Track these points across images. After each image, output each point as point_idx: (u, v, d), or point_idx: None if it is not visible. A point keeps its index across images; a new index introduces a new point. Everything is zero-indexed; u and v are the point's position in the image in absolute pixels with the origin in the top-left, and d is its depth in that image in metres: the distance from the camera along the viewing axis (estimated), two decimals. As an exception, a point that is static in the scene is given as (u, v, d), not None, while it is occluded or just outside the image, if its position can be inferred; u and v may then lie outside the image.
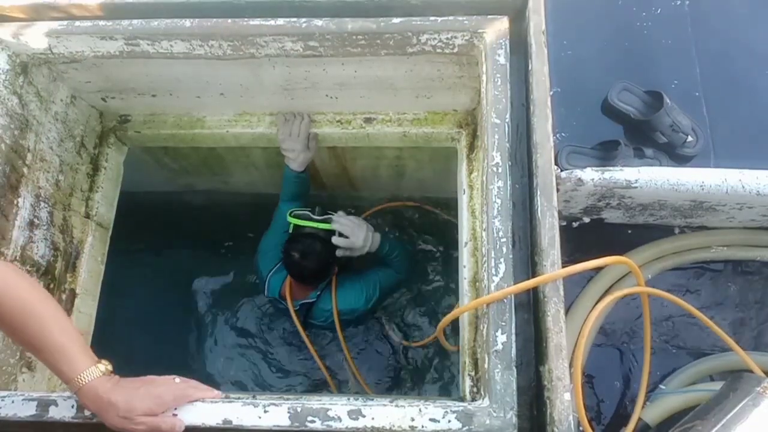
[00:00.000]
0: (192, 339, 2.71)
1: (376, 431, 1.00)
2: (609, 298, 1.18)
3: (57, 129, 1.57)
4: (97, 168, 1.76)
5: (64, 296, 1.62)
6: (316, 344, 2.34)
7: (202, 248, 2.81)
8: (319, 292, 2.11)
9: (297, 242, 1.96)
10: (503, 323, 1.06)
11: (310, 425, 1.00)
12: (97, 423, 1.01)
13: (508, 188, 1.16)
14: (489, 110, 1.22)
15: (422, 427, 0.99)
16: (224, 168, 2.42)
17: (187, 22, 1.32)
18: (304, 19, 1.30)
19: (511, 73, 1.25)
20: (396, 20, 1.29)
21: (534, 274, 1.11)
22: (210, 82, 1.59)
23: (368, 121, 1.74)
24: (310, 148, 1.83)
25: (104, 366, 0.99)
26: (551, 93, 1.21)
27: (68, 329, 0.99)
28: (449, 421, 0.99)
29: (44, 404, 1.04)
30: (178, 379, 1.04)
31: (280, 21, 1.30)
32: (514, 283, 1.08)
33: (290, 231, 2.04)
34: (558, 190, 1.21)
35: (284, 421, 1.00)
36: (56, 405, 1.04)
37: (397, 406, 1.02)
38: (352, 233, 1.95)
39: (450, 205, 2.49)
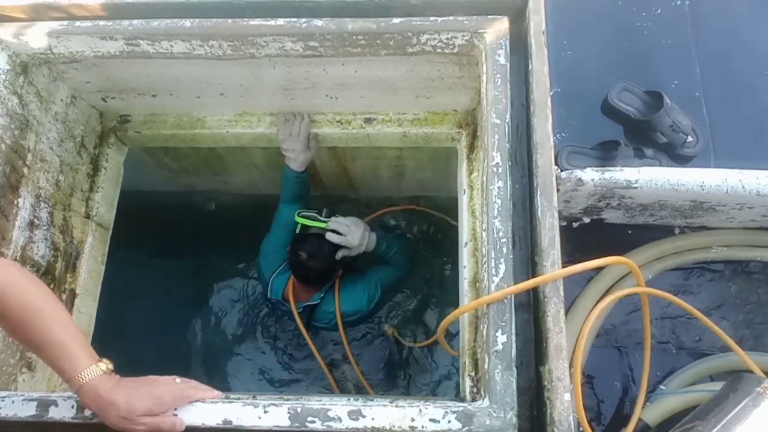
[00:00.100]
0: (192, 339, 2.71)
1: (376, 431, 1.00)
2: (609, 299, 1.18)
3: (57, 129, 1.57)
4: (97, 168, 1.76)
5: (64, 296, 1.62)
6: (317, 345, 2.34)
7: (202, 249, 2.81)
8: (323, 294, 2.11)
9: (304, 243, 1.96)
10: (503, 323, 1.06)
11: (310, 425, 1.00)
12: (97, 423, 1.01)
13: (508, 188, 1.16)
14: (489, 110, 1.22)
15: (422, 427, 0.99)
16: (224, 168, 2.42)
17: (187, 22, 1.32)
18: (304, 19, 1.30)
19: (511, 73, 1.25)
20: (396, 20, 1.28)
21: (534, 275, 1.11)
22: (210, 82, 1.59)
23: (368, 121, 1.74)
24: (311, 148, 1.83)
25: (105, 365, 0.99)
26: (551, 93, 1.21)
27: (70, 327, 0.99)
28: (449, 422, 0.99)
29: (44, 404, 1.04)
30: (178, 380, 1.04)
31: (280, 21, 1.30)
32: (514, 284, 1.08)
33: (297, 231, 2.04)
34: (558, 190, 1.21)
35: (284, 422, 1.00)
36: (56, 405, 1.04)
37: (397, 406, 1.02)
38: (348, 231, 1.95)
39: (450, 205, 2.49)
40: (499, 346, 1.05)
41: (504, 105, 1.22)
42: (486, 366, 1.07)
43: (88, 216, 1.72)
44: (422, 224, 2.76)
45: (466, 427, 0.99)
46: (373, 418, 1.00)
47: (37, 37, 1.36)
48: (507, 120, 1.21)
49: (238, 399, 1.04)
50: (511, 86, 1.24)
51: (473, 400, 1.15)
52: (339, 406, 1.01)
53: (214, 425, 1.01)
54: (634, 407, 1.35)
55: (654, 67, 1.61)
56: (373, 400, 1.13)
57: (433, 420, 1.00)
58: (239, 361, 2.65)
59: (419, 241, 2.75)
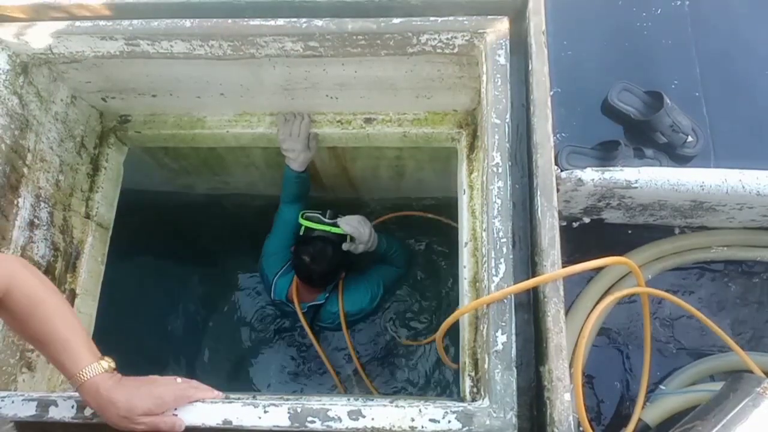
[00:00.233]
0: (193, 340, 2.71)
1: (376, 431, 1.00)
2: (609, 299, 1.18)
3: (57, 129, 1.57)
4: (97, 168, 1.76)
5: (64, 296, 1.62)
6: (322, 345, 2.34)
7: (202, 249, 2.81)
8: (327, 294, 2.11)
9: (308, 245, 1.97)
10: (503, 323, 1.06)
11: (310, 425, 1.00)
12: (97, 423, 1.01)
13: (508, 188, 1.16)
14: (489, 110, 1.22)
15: (422, 427, 0.99)
16: (224, 168, 2.42)
17: (187, 22, 1.32)
18: (304, 20, 1.30)
19: (511, 73, 1.25)
20: (396, 20, 1.29)
21: (534, 275, 1.11)
22: (210, 82, 1.59)
23: (368, 121, 1.74)
24: (311, 148, 1.83)
25: (107, 363, 0.99)
26: (551, 93, 1.21)
27: (73, 324, 0.99)
28: (449, 422, 0.99)
29: (44, 404, 1.04)
30: (179, 380, 1.04)
31: (280, 21, 1.30)
32: (514, 284, 1.08)
33: (301, 233, 2.04)
34: (558, 190, 1.21)
35: (284, 422, 1.00)
36: (56, 405, 1.04)
37: (397, 406, 1.02)
38: (357, 232, 1.97)
39: (450, 206, 2.49)
40: (499, 346, 1.05)
41: (504, 105, 1.22)
42: (486, 366, 1.07)
43: (88, 216, 1.72)
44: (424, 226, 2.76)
45: (466, 427, 0.99)
46: (373, 418, 1.00)
47: (37, 37, 1.36)
48: (507, 120, 1.21)
49: (238, 399, 1.04)
50: (511, 86, 1.23)
51: (473, 400, 1.15)
52: (339, 406, 1.01)
53: (214, 425, 1.01)
54: (634, 407, 1.35)
55: (654, 67, 1.61)
56: (373, 400, 1.13)
57: (433, 420, 1.00)
58: (242, 363, 2.65)
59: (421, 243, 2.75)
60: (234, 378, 2.62)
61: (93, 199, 1.73)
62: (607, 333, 1.48)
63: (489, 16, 1.28)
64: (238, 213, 2.74)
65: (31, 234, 1.49)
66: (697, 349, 1.46)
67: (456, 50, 1.33)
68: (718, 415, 1.08)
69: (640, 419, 1.34)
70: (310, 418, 1.00)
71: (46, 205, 1.54)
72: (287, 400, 1.04)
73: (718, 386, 1.22)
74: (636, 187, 1.30)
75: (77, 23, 1.35)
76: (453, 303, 2.57)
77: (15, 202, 1.43)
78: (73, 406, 1.03)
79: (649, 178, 1.28)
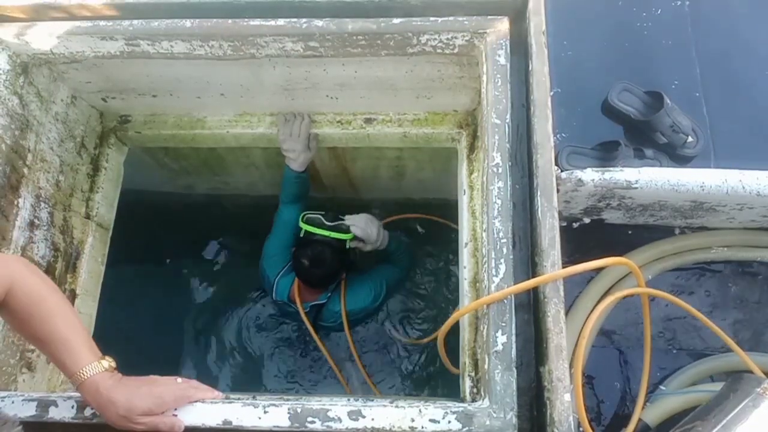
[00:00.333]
0: (194, 340, 2.71)
1: (376, 431, 1.00)
2: (609, 299, 1.18)
3: (57, 129, 1.57)
4: (98, 168, 1.76)
5: (65, 296, 1.62)
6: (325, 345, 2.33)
7: (202, 249, 2.81)
8: (329, 294, 2.11)
9: (307, 249, 1.96)
10: (503, 324, 1.06)
11: (310, 426, 1.00)
12: (97, 423, 1.01)
13: (509, 189, 1.16)
14: (489, 111, 1.22)
15: (422, 427, 0.99)
16: (224, 168, 2.42)
17: (188, 23, 1.32)
18: (304, 20, 1.30)
19: (511, 73, 1.25)
20: (396, 21, 1.29)
21: (534, 275, 1.11)
22: (210, 83, 1.59)
23: (368, 121, 1.74)
24: (311, 148, 1.83)
25: (108, 362, 0.99)
26: (551, 93, 1.21)
27: (74, 323, 1.00)
28: (449, 422, 0.99)
29: (44, 404, 1.04)
30: (179, 380, 1.04)
31: (281, 21, 1.30)
32: (515, 284, 1.08)
33: (301, 236, 2.03)
34: (558, 190, 1.21)
35: (284, 422, 1.00)
36: (56, 405, 1.04)
37: (397, 406, 1.02)
38: (365, 234, 1.97)
39: (450, 206, 2.49)
40: (499, 347, 1.05)
41: (504, 105, 1.22)
42: (486, 366, 1.07)
43: (88, 216, 1.72)
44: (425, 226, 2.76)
45: (466, 428, 0.99)
46: (373, 419, 1.00)
47: (37, 37, 1.36)
48: (507, 120, 1.21)
49: (238, 399, 1.04)
50: (511, 86, 1.24)
51: (473, 400, 1.15)
52: (339, 407, 1.01)
53: (214, 425, 1.01)
54: (634, 407, 1.35)
55: (654, 67, 1.61)
56: (373, 400, 1.13)
57: (433, 420, 1.00)
58: (243, 363, 2.65)
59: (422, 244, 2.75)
60: (235, 378, 2.62)
61: (93, 199, 1.74)
62: (607, 333, 1.48)
63: (489, 17, 1.28)
64: (238, 213, 2.74)
65: (32, 234, 1.49)
66: (697, 349, 1.46)
67: (456, 50, 1.33)
68: (718, 416, 1.08)
69: (640, 419, 1.34)
70: (310, 419, 1.00)
71: (47, 206, 1.54)
72: (287, 400, 1.04)
73: (718, 387, 1.22)
74: (636, 188, 1.30)
75: (77, 23, 1.35)
76: (453, 303, 2.57)
77: (15, 203, 1.43)
78: (73, 407, 1.03)
79: (649, 179, 1.28)
